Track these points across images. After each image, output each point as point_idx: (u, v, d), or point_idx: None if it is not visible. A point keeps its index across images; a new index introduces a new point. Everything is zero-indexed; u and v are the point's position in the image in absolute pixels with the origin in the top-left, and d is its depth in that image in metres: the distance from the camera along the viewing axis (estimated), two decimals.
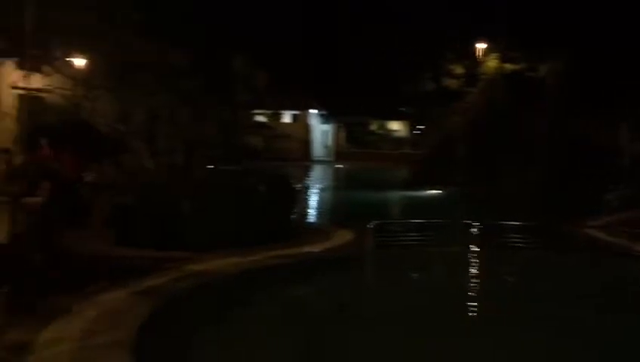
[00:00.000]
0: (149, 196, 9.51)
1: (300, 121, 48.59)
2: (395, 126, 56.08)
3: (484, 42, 25.85)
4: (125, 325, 5.69)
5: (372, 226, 9.03)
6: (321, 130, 52.72)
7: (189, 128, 10.09)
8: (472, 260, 9.70)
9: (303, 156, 44.82)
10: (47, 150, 9.97)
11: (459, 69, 26.92)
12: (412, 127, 55.52)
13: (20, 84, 19.26)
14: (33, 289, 6.21)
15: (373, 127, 56.24)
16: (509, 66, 24.16)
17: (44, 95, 18.87)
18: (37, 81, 17.16)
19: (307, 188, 21.12)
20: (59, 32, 15.04)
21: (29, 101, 18.45)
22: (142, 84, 10.14)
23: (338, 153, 52.25)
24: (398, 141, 53.27)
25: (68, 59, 17.17)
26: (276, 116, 40.40)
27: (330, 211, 17.04)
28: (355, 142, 54.47)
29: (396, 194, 21.73)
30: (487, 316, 7.23)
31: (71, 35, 12.81)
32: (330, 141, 54.48)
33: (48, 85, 16.14)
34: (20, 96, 20.46)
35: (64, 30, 13.06)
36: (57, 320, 5.69)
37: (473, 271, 9.37)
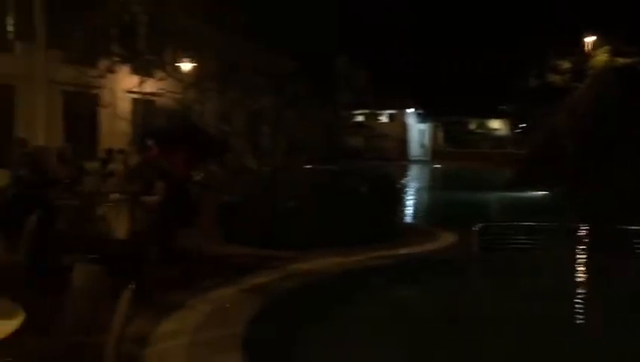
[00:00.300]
0: (254, 195, 9.76)
1: (397, 121, 48.20)
2: (496, 124, 54.39)
3: (594, 35, 24.60)
4: (236, 321, 5.87)
5: (477, 228, 8.77)
6: (418, 130, 52.08)
7: (292, 129, 10.29)
8: (586, 266, 9.18)
9: (400, 155, 44.45)
10: (155, 151, 10.54)
11: (565, 64, 25.68)
12: (513, 126, 53.58)
13: (134, 89, 20.49)
14: (151, 285, 6.55)
15: (473, 125, 54.81)
16: (620, 60, 22.74)
17: (155, 98, 20.00)
18: (149, 86, 18.19)
19: (407, 188, 20.89)
20: (170, 37, 15.86)
21: (142, 104, 19.64)
22: (248, 87, 10.45)
23: (435, 152, 51.40)
24: (499, 140, 51.58)
25: (178, 63, 18.09)
26: (374, 116, 40.43)
27: (431, 212, 16.77)
28: (453, 141, 53.32)
29: (498, 195, 21.02)
30: (601, 326, 6.80)
31: (181, 39, 13.44)
32: (427, 140, 53.69)
33: (160, 89, 17.01)
34: (134, 100, 21.80)
35: (174, 35, 13.73)
36: (173, 315, 5.97)
37: (587, 277, 8.87)
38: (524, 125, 50.58)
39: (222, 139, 11.99)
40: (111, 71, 16.13)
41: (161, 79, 16.31)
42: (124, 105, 21.51)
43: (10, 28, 17.51)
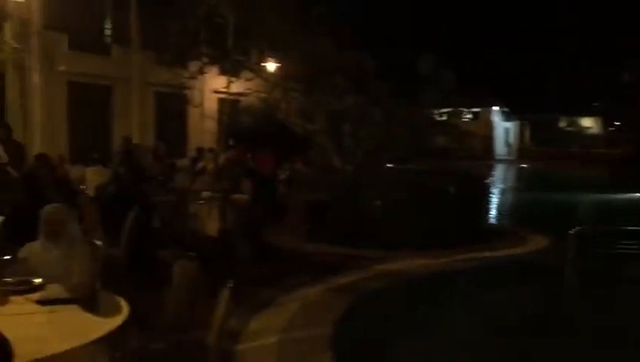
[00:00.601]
0: (339, 194, 9.77)
1: (482, 119, 46.89)
2: (587, 122, 51.82)
3: None
4: (324, 321, 5.89)
5: (574, 232, 8.33)
6: (503, 128, 50.47)
7: (377, 128, 10.22)
8: None
9: (485, 155, 43.26)
10: (237, 150, 10.76)
11: None
12: (606, 124, 50.95)
13: (221, 89, 21.08)
14: (241, 282, 6.68)
15: (562, 123, 52.46)
16: None
17: (241, 98, 20.48)
18: (236, 86, 18.64)
19: (493, 188, 20.26)
20: (256, 37, 16.17)
21: (229, 104, 20.19)
22: (333, 86, 10.47)
23: (521, 151, 49.65)
24: (590, 139, 49.10)
25: (263, 63, 18.43)
26: (459, 114, 39.56)
27: (519, 214, 16.16)
28: (541, 139, 51.22)
29: (591, 197, 19.95)
30: None
31: (266, 40, 13.67)
32: (512, 139, 51.94)
33: (247, 89, 17.39)
34: (221, 99, 22.44)
35: (262, 36, 13.97)
36: (263, 312, 6.07)
37: None
38: (618, 123, 47.89)
39: (307, 138, 12.09)
40: (202, 72, 16.66)
41: (248, 79, 16.65)
42: (212, 104, 22.17)
43: (107, 32, 18.45)
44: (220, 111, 21.31)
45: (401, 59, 10.73)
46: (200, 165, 11.82)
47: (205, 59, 17.05)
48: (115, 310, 3.37)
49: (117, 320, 3.19)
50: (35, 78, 15.17)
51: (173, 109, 20.83)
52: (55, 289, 3.59)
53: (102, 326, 3.10)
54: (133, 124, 18.90)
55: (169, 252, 7.45)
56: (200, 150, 13.80)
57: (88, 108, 17.62)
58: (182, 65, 17.73)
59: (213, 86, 21.69)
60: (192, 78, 16.46)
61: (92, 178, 9.58)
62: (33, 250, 4.14)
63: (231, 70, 17.53)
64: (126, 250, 6.19)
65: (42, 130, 15.49)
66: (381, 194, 9.50)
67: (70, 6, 15.93)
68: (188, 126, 21.51)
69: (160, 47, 18.64)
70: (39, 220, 4.71)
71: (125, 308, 3.41)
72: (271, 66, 18.94)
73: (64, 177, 8.40)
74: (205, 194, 8.77)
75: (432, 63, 11.26)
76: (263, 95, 17.16)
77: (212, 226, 8.05)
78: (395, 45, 10.99)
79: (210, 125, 21.64)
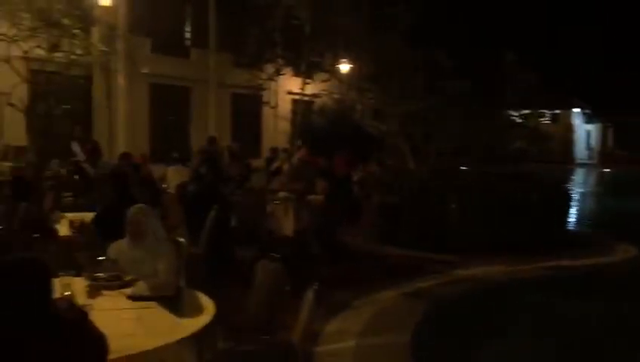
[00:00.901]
0: (413, 197, 9.62)
1: (562, 121, 45.09)
2: None
3: None
4: (401, 326, 5.80)
5: None
6: (584, 130, 48.35)
7: (453, 130, 9.99)
8: None
9: (565, 158, 41.55)
10: (304, 151, 10.79)
11: None
12: None
13: (295, 90, 21.31)
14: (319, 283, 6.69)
15: None
16: None
17: (314, 99, 20.61)
18: (310, 87, 18.78)
19: (575, 193, 19.42)
20: (331, 39, 16.25)
21: (302, 105, 20.37)
22: (407, 86, 10.32)
23: (603, 155, 47.39)
24: None
25: (337, 65, 18.51)
26: (537, 116, 38.15)
27: (603, 221, 15.40)
28: (625, 143, 48.57)
29: None
30: None
31: (341, 41, 13.68)
32: (594, 142, 49.69)
33: (322, 90, 17.48)
34: (294, 100, 22.68)
35: (335, 37, 14.01)
36: (339, 315, 6.04)
37: None
38: None
39: (380, 139, 11.99)
40: (277, 74, 16.90)
41: (324, 81, 16.75)
42: (286, 105, 22.46)
43: (187, 36, 19.05)
44: (294, 112, 21.56)
45: (480, 59, 10.42)
46: (275, 165, 11.98)
47: (281, 61, 17.32)
48: (202, 309, 3.43)
49: (204, 320, 3.24)
50: (120, 80, 15.85)
51: (248, 110, 21.27)
52: (144, 286, 3.70)
53: (190, 324, 3.15)
54: (209, 124, 19.40)
55: (247, 251, 7.60)
56: (274, 150, 13.99)
57: (168, 108, 18.26)
58: (258, 67, 18.11)
59: (288, 87, 21.95)
60: (270, 79, 16.71)
61: (173, 177, 9.90)
62: (121, 248, 4.28)
63: (306, 72, 17.67)
64: (206, 248, 6.33)
65: (125, 130, 16.16)
66: (456, 197, 9.26)
67: (153, 11, 16.54)
68: (262, 127, 21.87)
69: (237, 50, 19.12)
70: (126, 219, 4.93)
71: (211, 307, 3.45)
72: (345, 67, 18.99)
73: (148, 176, 8.71)
74: (281, 194, 8.86)
75: (512, 63, 10.90)
76: (336, 96, 17.24)
77: (288, 226, 8.12)
78: (472, 44, 10.69)
79: (284, 126, 21.90)
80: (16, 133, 12.08)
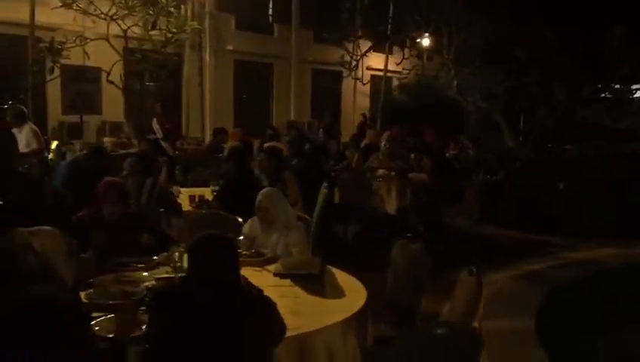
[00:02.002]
0: (517, 176, 9.26)
1: None
2: None
3: None
4: (520, 311, 5.60)
5: None
6: None
7: (558, 106, 9.48)
8: None
9: None
10: (396, 128, 10.50)
11: None
12: None
13: (375, 66, 21.02)
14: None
15: None
16: None
17: (394, 75, 20.27)
18: (390, 63, 18.47)
19: None
20: (413, 12, 15.80)
21: (382, 81, 20.12)
22: (509, 61, 9.83)
23: None
24: None
25: (420, 39, 18.07)
26: None
27: None
28: None
29: None
30: None
31: (438, 15, 13.25)
32: None
33: (404, 69, 17.11)
34: (373, 76, 22.38)
35: (428, 10, 13.59)
36: (448, 295, 5.87)
37: None
38: None
39: (478, 116, 11.56)
40: (360, 51, 16.62)
41: (406, 57, 16.38)
42: (365, 81, 22.23)
43: (270, 12, 19.08)
44: (373, 88, 21.35)
45: (587, 32, 9.77)
46: (364, 142, 11.81)
47: (361, 36, 17.06)
48: (353, 289, 3.37)
49: (359, 300, 3.18)
50: (207, 57, 16.06)
51: (327, 86, 21.20)
52: (291, 263, 3.68)
53: (349, 304, 3.10)
54: (291, 100, 19.46)
55: (350, 228, 7.55)
56: (362, 125, 13.84)
57: (251, 85, 18.42)
58: (339, 43, 17.98)
59: (368, 63, 21.68)
60: (357, 56, 16.45)
61: None
62: (253, 227, 4.28)
63: (386, 47, 17.36)
64: (316, 226, 6.29)
65: (211, 106, 16.40)
66: (563, 176, 8.83)
67: None
68: (342, 103, 21.75)
69: (318, 26, 19.01)
70: (248, 193, 4.98)
71: (361, 287, 3.39)
72: (425, 42, 18.55)
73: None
74: (380, 171, 8.73)
75: (621, 37, 10.21)
76: (426, 72, 16.85)
77: (390, 204, 7.97)
78: (579, 17, 10.04)
79: (364, 102, 21.69)
80: (114, 110, 12.51)
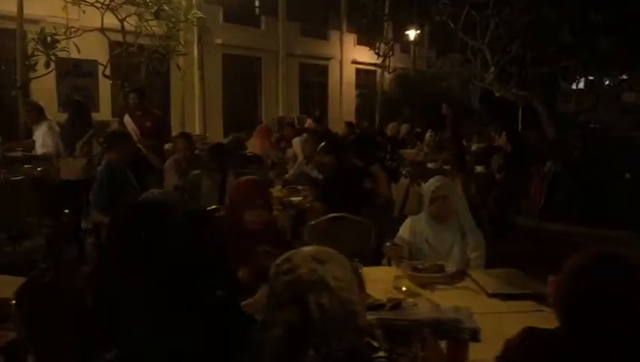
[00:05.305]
0: (574, 167, 8.61)
1: None
2: None
3: None
4: None
5: None
6: None
7: (607, 93, 8.91)
8: None
9: None
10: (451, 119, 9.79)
11: None
12: None
13: (359, 60, 20.47)
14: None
15: None
16: None
17: (378, 69, 19.59)
18: (372, 56, 17.85)
19: None
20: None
21: (365, 74, 19.64)
22: (549, 44, 9.06)
23: None
24: None
25: (407, 32, 17.58)
26: None
27: None
28: None
29: None
30: None
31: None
32: None
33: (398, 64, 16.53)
34: (357, 70, 21.82)
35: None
36: None
37: None
38: None
39: (502, 106, 10.94)
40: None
41: (384, 53, 15.75)
42: (350, 75, 21.64)
43: (256, 3, 18.18)
44: (357, 82, 20.91)
45: (635, 12, 9.14)
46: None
47: (346, 30, 16.40)
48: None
49: None
50: (195, 51, 14.97)
51: (313, 80, 20.48)
52: (497, 282, 2.92)
53: None
54: (279, 94, 18.68)
55: None
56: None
57: (239, 79, 17.50)
58: (323, 36, 17.29)
59: (352, 56, 21.15)
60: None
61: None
62: (418, 228, 3.47)
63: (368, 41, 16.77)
64: None
65: (200, 101, 15.27)
66: (628, 167, 8.22)
67: None
68: (328, 96, 21.08)
69: (304, 18, 18.25)
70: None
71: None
72: (411, 34, 18.05)
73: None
74: (431, 165, 8.13)
75: None
76: (428, 65, 16.19)
77: None
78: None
79: (350, 95, 21.15)
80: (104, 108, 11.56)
